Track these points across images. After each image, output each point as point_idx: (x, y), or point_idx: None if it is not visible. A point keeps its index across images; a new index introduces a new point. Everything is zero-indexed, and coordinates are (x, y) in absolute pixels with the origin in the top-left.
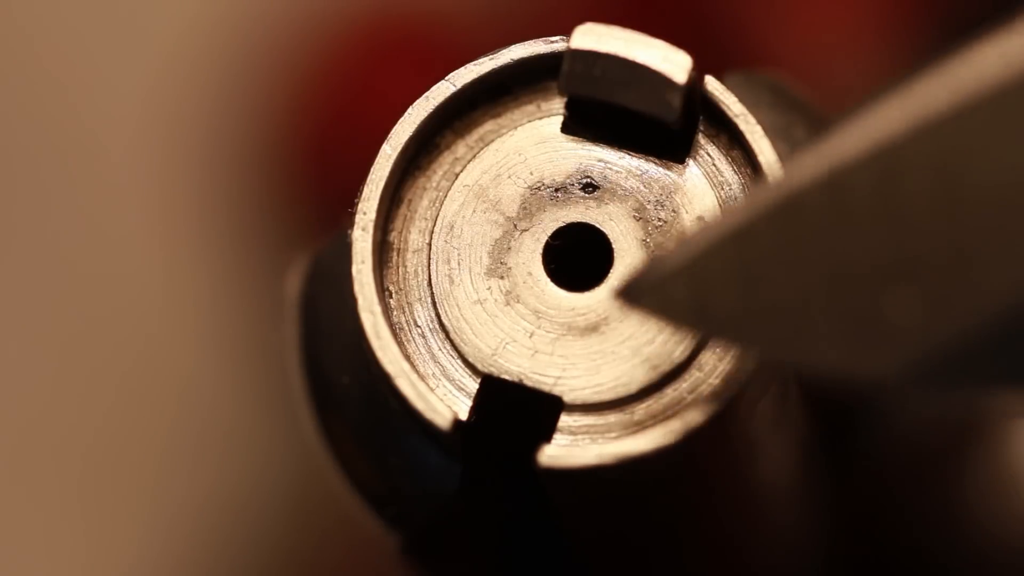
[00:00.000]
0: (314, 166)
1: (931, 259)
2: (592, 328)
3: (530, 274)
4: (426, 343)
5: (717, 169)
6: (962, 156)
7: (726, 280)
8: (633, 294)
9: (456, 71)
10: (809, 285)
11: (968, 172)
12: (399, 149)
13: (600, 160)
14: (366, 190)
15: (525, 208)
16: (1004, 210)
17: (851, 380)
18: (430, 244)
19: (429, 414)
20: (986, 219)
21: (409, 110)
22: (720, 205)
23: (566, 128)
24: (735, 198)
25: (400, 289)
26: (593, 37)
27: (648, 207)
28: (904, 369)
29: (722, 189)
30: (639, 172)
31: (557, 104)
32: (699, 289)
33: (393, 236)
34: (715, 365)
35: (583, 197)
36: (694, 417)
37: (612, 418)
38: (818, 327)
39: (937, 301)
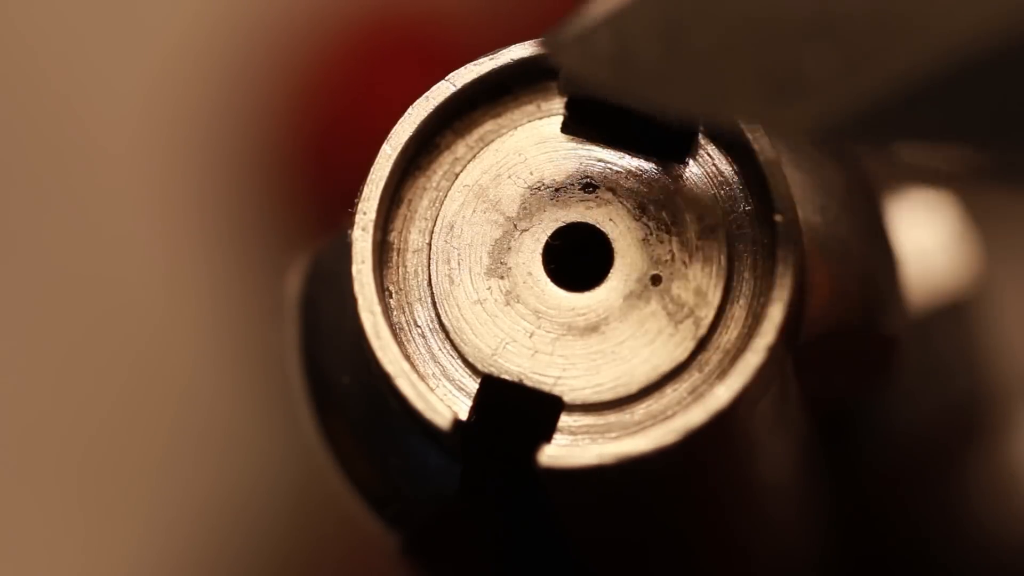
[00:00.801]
0: (314, 166)
1: (851, 18)
2: (592, 328)
3: (530, 274)
4: (426, 343)
5: (717, 169)
6: None
7: (649, 33)
8: (556, 45)
9: (456, 71)
10: (731, 39)
11: None
12: (399, 149)
13: (600, 160)
14: (366, 190)
15: (525, 208)
16: None
17: (768, 131)
18: (430, 244)
19: (429, 414)
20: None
21: (409, 110)
22: (720, 205)
23: (566, 128)
24: (735, 198)
25: (400, 289)
26: None
27: (648, 207)
28: (819, 122)
29: (722, 189)
30: (639, 172)
31: (557, 104)
32: (622, 42)
33: (393, 236)
34: (715, 365)
35: (583, 197)
36: (694, 417)
37: (612, 418)
38: (738, 80)
39: (854, 58)
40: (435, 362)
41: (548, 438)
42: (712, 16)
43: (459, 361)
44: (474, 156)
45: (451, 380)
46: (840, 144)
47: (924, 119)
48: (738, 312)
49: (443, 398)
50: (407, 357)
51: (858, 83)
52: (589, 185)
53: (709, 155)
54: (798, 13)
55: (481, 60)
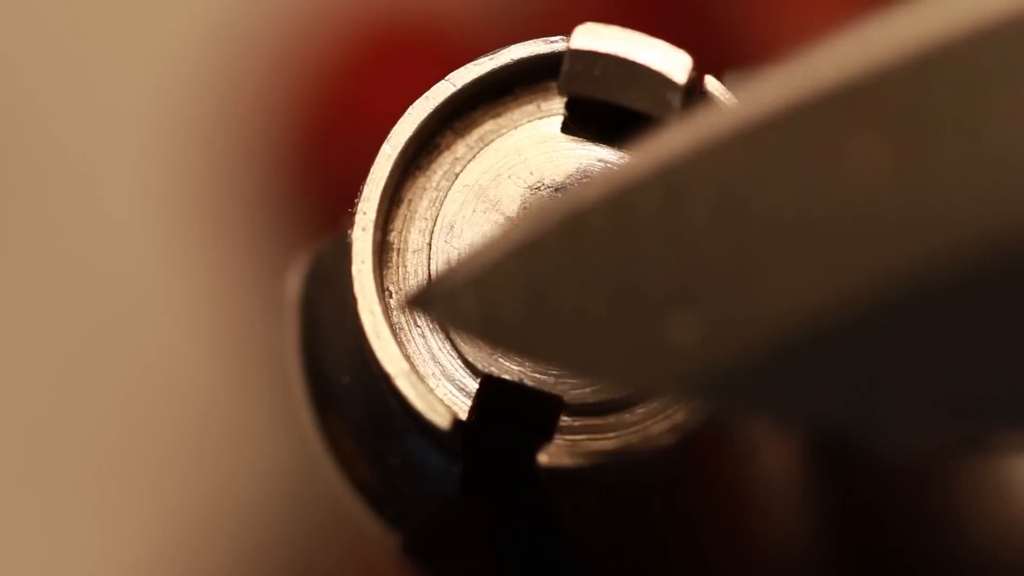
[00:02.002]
0: (314, 166)
1: (713, 282)
2: None
3: None
4: (426, 343)
5: None
6: (744, 180)
7: (513, 293)
8: (424, 303)
9: (456, 71)
10: (592, 300)
11: (750, 196)
12: (399, 149)
13: (600, 160)
14: (366, 190)
15: (525, 208)
16: (785, 236)
17: (630, 389)
18: (430, 244)
19: (429, 414)
20: (767, 244)
21: (409, 110)
22: None
23: (566, 128)
24: None
25: (400, 289)
26: (593, 37)
27: None
28: (680, 385)
29: None
30: None
31: (557, 104)
32: (487, 301)
33: (393, 236)
34: None
35: None
36: (694, 417)
37: (612, 418)
38: (599, 341)
39: (716, 324)
40: (435, 362)
41: (548, 438)
42: (572, 276)
43: (459, 361)
44: (474, 156)
45: (451, 380)
46: (704, 405)
47: (784, 386)
48: None
49: (443, 398)
50: (407, 357)
51: (719, 348)
52: None
53: None
54: (660, 275)
55: (481, 60)
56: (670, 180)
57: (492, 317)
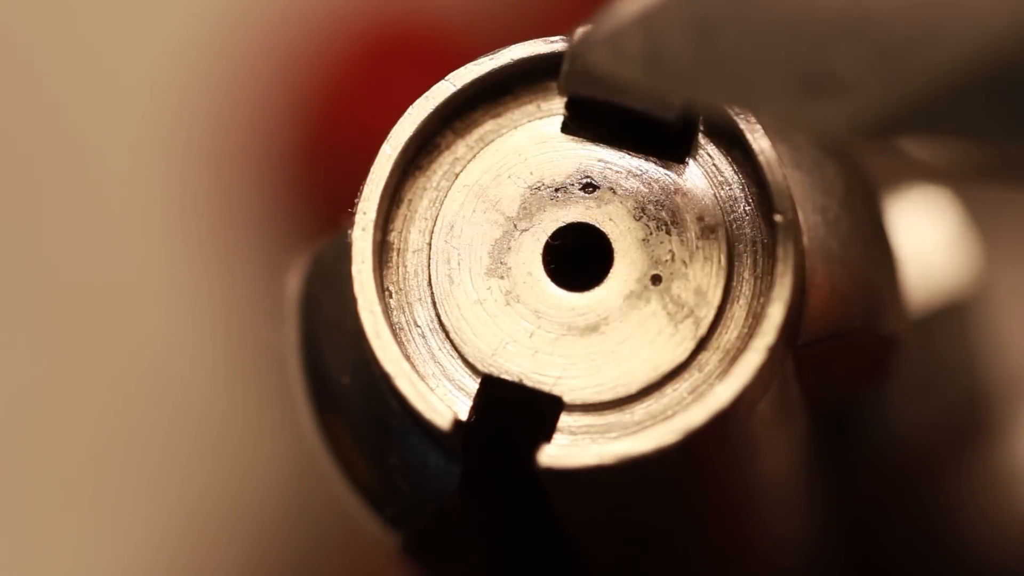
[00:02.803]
0: (314, 166)
1: (884, 14)
2: (592, 328)
3: (530, 274)
4: (426, 343)
5: (717, 169)
6: None
7: (680, 31)
8: (586, 46)
9: (456, 71)
10: (763, 37)
11: None
12: (399, 149)
13: (600, 160)
14: (366, 190)
15: (525, 208)
16: None
17: (799, 129)
18: (430, 244)
19: (429, 414)
20: None
21: (409, 110)
22: (720, 205)
23: (566, 128)
24: (735, 198)
25: (400, 289)
26: None
27: (648, 207)
28: (850, 121)
29: (722, 189)
30: (639, 172)
31: (557, 104)
32: (653, 40)
33: (393, 236)
34: (715, 365)
35: (583, 197)
36: (694, 417)
37: (612, 418)
38: (770, 78)
39: (886, 57)
40: (435, 362)
41: (548, 438)
42: (743, 14)
43: (459, 361)
44: (474, 156)
45: (451, 380)
46: (872, 142)
47: (961, 115)
48: (738, 312)
49: (443, 398)
50: (407, 357)
51: (891, 79)
52: (589, 185)
53: (709, 155)
54: (830, 10)
55: (481, 60)
56: None
57: (658, 56)
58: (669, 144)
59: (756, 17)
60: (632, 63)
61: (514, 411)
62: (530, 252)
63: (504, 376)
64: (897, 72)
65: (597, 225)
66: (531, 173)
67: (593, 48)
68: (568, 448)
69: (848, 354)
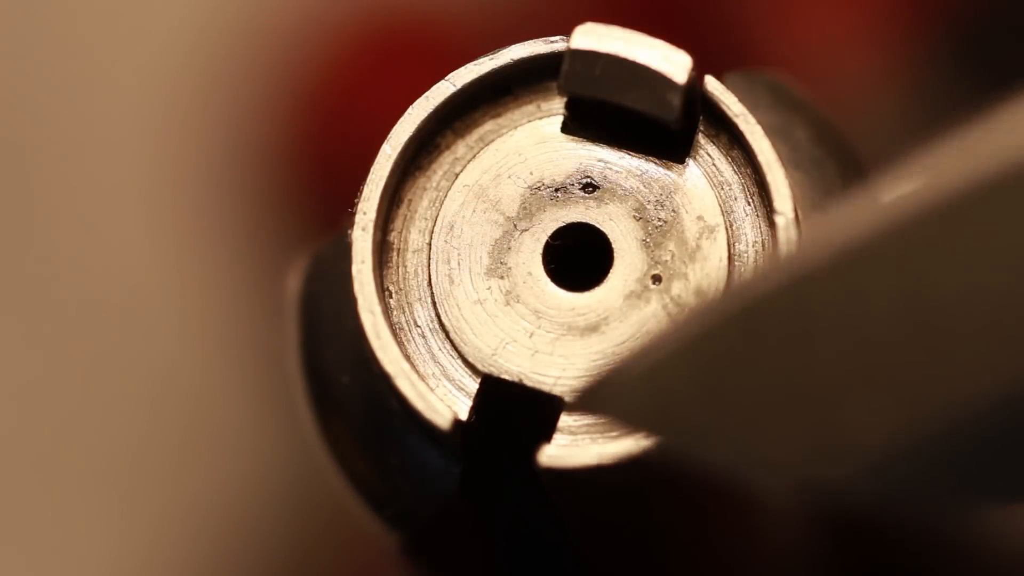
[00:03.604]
0: (314, 166)
1: (897, 369)
2: (592, 328)
3: (530, 274)
4: (426, 343)
5: (717, 169)
6: (931, 260)
7: (687, 388)
8: (595, 401)
9: (456, 71)
10: (770, 393)
11: (937, 277)
12: (399, 149)
13: (600, 160)
14: (366, 190)
15: (525, 208)
16: (975, 318)
17: (811, 487)
18: (430, 244)
19: (429, 414)
20: (957, 327)
21: (409, 110)
22: (720, 205)
23: (566, 128)
24: (735, 198)
25: (400, 289)
26: (593, 37)
27: (648, 207)
28: (863, 479)
29: (722, 189)
30: (639, 172)
31: (557, 104)
32: (660, 397)
33: (393, 236)
34: None
35: (583, 197)
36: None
37: None
38: (778, 435)
39: (900, 412)
40: (435, 362)
41: (548, 438)
42: (749, 369)
43: (459, 361)
44: (474, 156)
45: (451, 380)
46: (885, 499)
47: (976, 471)
48: None
49: (443, 398)
50: (407, 357)
51: (904, 437)
52: (589, 185)
53: (709, 155)
54: (842, 363)
55: (481, 60)
56: (850, 264)
57: (666, 412)
58: (669, 144)
59: (763, 371)
60: (642, 419)
61: (514, 411)
62: (530, 252)
63: (504, 376)
64: (911, 423)
65: (597, 225)
66: (531, 173)
67: (603, 404)
68: (568, 448)
69: None
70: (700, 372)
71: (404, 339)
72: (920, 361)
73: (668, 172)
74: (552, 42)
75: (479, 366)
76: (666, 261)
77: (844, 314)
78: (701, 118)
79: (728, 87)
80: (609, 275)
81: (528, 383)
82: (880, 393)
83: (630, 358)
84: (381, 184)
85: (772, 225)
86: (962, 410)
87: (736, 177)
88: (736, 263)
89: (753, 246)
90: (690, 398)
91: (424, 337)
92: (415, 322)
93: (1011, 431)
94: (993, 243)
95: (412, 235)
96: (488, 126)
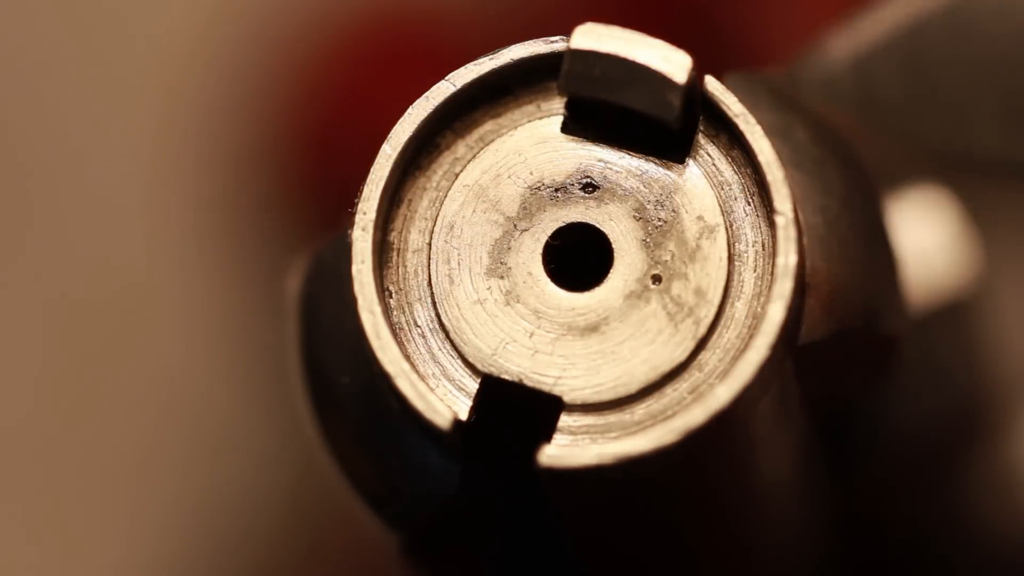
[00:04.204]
0: (314, 166)
1: None
2: (592, 328)
3: (530, 274)
4: (426, 343)
5: (717, 169)
6: None
7: (894, 71)
8: (799, 84)
9: (456, 71)
10: (973, 77)
11: None
12: (399, 149)
13: (600, 160)
14: (366, 190)
15: (525, 208)
16: None
17: (1009, 165)
18: (430, 244)
19: (429, 414)
20: None
21: (409, 110)
22: (720, 205)
23: (566, 128)
24: (735, 198)
25: (400, 289)
26: (593, 37)
27: (648, 207)
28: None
29: (722, 189)
30: (639, 172)
31: (557, 104)
32: (866, 80)
33: (393, 236)
34: (715, 365)
35: (583, 197)
36: (694, 417)
37: (612, 418)
38: (980, 115)
39: None
40: (435, 362)
41: (548, 438)
42: (956, 54)
43: (459, 361)
44: (474, 156)
45: (451, 380)
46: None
47: None
48: (738, 312)
49: (443, 398)
50: (407, 357)
51: None
52: (589, 185)
53: (709, 155)
54: None
55: (481, 60)
56: None
57: (870, 95)
58: (669, 144)
59: (970, 55)
60: (846, 102)
61: (514, 411)
62: (530, 252)
63: (504, 376)
64: None
65: (597, 225)
66: (531, 173)
67: (807, 88)
68: (568, 448)
69: (848, 354)
70: (906, 56)
71: (404, 339)
72: None
73: (668, 172)
74: (552, 42)
75: (479, 366)
76: (666, 261)
77: None
78: (701, 118)
79: (728, 87)
80: (609, 275)
81: (528, 383)
82: None
83: (832, 41)
84: (381, 184)
85: (772, 225)
86: None
87: (736, 177)
88: (736, 263)
89: (753, 246)
90: (895, 81)
91: (424, 337)
92: (415, 322)
93: None
94: None
95: (412, 235)
96: (488, 126)
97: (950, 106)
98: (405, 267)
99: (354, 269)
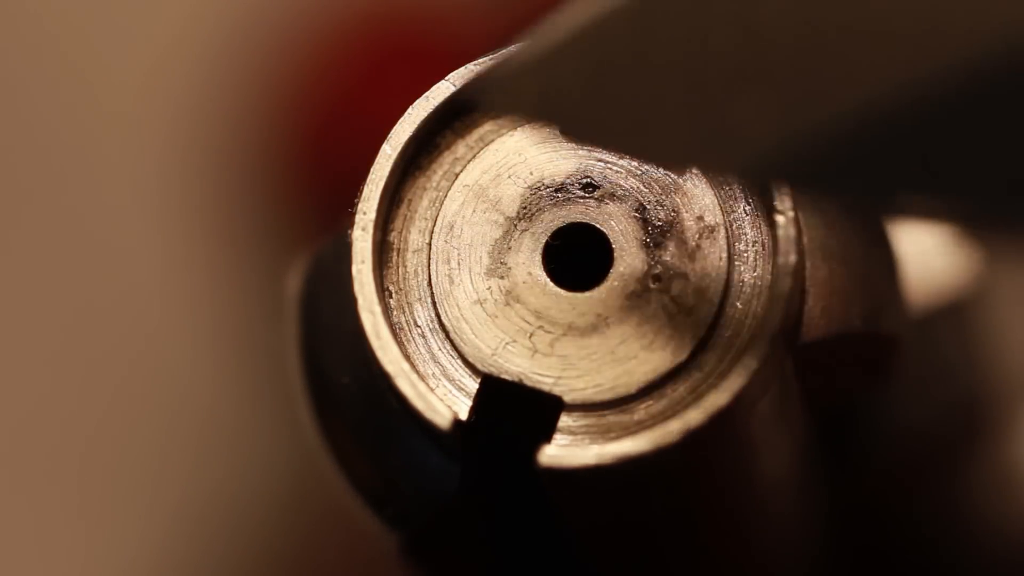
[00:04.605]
0: (314, 166)
1: (785, 64)
2: (592, 328)
3: (530, 274)
4: (426, 343)
5: None
6: None
7: (576, 75)
8: (482, 89)
9: (456, 71)
10: (658, 83)
11: None
12: (399, 149)
13: (600, 160)
14: (366, 190)
15: (525, 208)
16: (858, 20)
17: (698, 170)
18: (430, 244)
19: (429, 414)
20: (840, 28)
21: (409, 110)
22: (720, 205)
23: None
24: (735, 198)
25: (400, 289)
26: None
27: (648, 207)
28: (747, 166)
29: (722, 189)
30: (639, 172)
31: None
32: (549, 84)
33: (393, 236)
34: (715, 365)
35: (583, 197)
36: (694, 417)
37: (612, 418)
38: (665, 122)
39: (786, 106)
40: (435, 362)
41: (548, 438)
42: (639, 59)
43: (459, 361)
44: (474, 156)
45: (451, 380)
46: (769, 184)
47: (852, 166)
48: (738, 312)
49: (443, 398)
50: (407, 357)
51: (790, 128)
52: (589, 185)
53: None
54: (731, 57)
55: (481, 60)
56: None
57: (552, 98)
58: None
59: (653, 62)
60: (529, 106)
61: (514, 411)
62: (530, 252)
63: (504, 376)
64: (799, 118)
65: (597, 225)
66: (531, 173)
67: (490, 92)
68: (568, 448)
69: (848, 354)
70: (590, 59)
71: (404, 339)
72: (807, 60)
73: (668, 172)
74: None
75: (479, 366)
76: (666, 261)
77: (736, 9)
78: None
79: None
80: (609, 275)
81: (528, 383)
82: (767, 88)
83: (519, 48)
84: (381, 184)
85: (772, 225)
86: (845, 108)
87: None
88: (736, 263)
89: (753, 246)
90: (578, 84)
91: (424, 337)
92: (415, 322)
93: (888, 132)
94: None
95: (412, 235)
96: (488, 126)
97: (632, 110)
98: (405, 267)
99: (354, 269)
